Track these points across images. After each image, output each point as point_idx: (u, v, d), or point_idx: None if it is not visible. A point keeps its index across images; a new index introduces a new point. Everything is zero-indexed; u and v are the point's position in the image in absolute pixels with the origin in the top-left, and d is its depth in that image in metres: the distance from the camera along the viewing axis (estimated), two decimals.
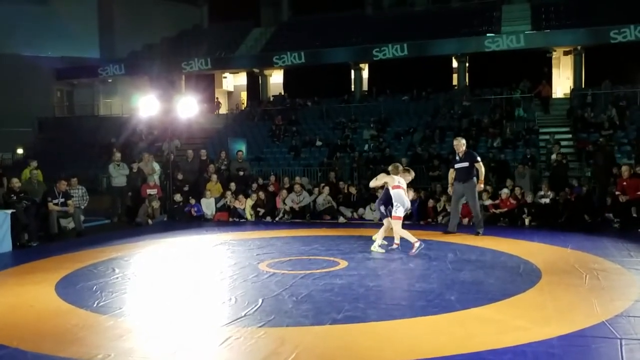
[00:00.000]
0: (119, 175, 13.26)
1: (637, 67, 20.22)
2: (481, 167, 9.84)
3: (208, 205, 13.35)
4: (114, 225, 12.76)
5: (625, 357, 3.95)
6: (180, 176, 14.16)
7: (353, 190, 13.69)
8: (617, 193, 10.80)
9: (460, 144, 10.01)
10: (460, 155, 9.95)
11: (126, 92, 29.33)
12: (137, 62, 29.58)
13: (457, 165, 9.96)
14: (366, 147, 20.02)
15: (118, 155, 13.66)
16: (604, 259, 7.53)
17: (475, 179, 9.84)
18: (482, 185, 10.16)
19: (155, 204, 13.00)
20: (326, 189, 13.36)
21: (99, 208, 13.57)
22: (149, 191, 13.28)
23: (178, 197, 13.41)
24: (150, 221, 12.69)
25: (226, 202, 13.27)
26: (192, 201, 13.38)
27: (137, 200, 13.31)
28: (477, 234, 9.88)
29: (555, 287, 6.05)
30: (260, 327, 4.75)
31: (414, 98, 24.55)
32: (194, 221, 12.87)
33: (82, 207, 11.85)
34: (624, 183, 10.73)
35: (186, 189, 13.78)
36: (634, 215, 10.55)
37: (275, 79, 29.26)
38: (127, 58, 30.66)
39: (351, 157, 19.07)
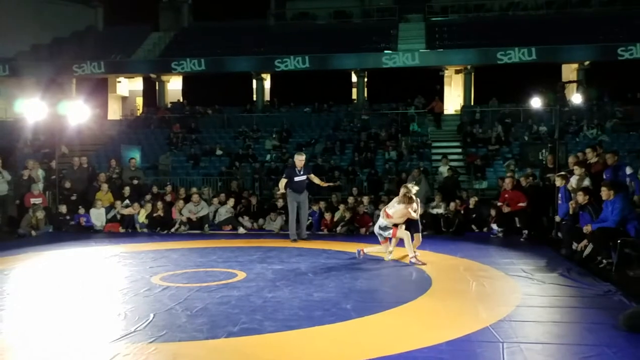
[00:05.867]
0: None
1: (520, 87, 21.73)
2: (314, 178, 11.09)
3: (98, 216, 12.68)
4: None
5: (507, 359, 4.17)
6: (67, 185, 13.37)
7: (254, 200, 13.60)
8: (499, 204, 11.51)
9: (303, 159, 11.04)
10: (300, 169, 10.85)
11: (11, 94, 27.21)
12: (24, 63, 27.69)
13: (297, 178, 10.80)
14: (268, 157, 20.02)
15: None
16: (490, 266, 7.97)
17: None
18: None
19: (40, 214, 12.17)
20: (231, 201, 13.16)
21: None
22: (33, 200, 12.43)
23: (64, 208, 12.66)
24: (34, 232, 11.86)
25: (117, 212, 12.69)
26: (81, 211, 12.68)
27: (22, 210, 12.41)
28: (304, 238, 10.76)
29: (445, 294, 6.32)
30: (151, 342, 4.55)
31: (316, 110, 24.91)
32: (82, 232, 12.19)
33: None
34: (506, 195, 11.46)
35: (74, 198, 13.03)
36: (517, 225, 11.27)
37: (174, 85, 28.55)
38: (12, 58, 28.60)
39: (253, 167, 18.96)
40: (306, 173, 11.00)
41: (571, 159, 10.43)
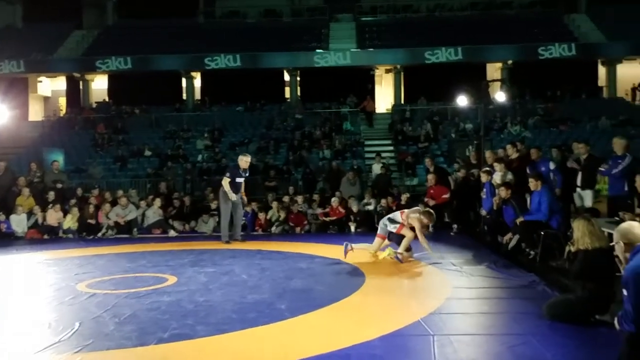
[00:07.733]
0: None
1: (447, 85, 22.32)
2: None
3: (19, 222, 12.04)
4: None
5: (437, 352, 4.26)
6: None
7: (187, 201, 13.29)
8: (426, 200, 11.84)
9: (249, 160, 11.08)
10: (244, 170, 10.86)
11: None
12: None
13: (239, 180, 10.75)
14: (200, 157, 19.65)
15: None
16: (421, 261, 8.16)
17: None
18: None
19: None
20: (157, 201, 12.79)
21: None
22: None
23: None
24: None
25: (38, 218, 12.10)
26: (1, 217, 11.99)
27: None
28: (238, 240, 10.63)
29: (378, 290, 6.41)
30: (76, 352, 4.37)
31: (248, 109, 24.71)
32: (2, 239, 11.51)
33: None
34: (432, 190, 11.88)
35: None
36: (446, 220, 11.60)
37: (99, 84, 27.54)
38: None
39: (184, 167, 18.55)
40: (246, 174, 10.91)
41: (488, 155, 10.83)
